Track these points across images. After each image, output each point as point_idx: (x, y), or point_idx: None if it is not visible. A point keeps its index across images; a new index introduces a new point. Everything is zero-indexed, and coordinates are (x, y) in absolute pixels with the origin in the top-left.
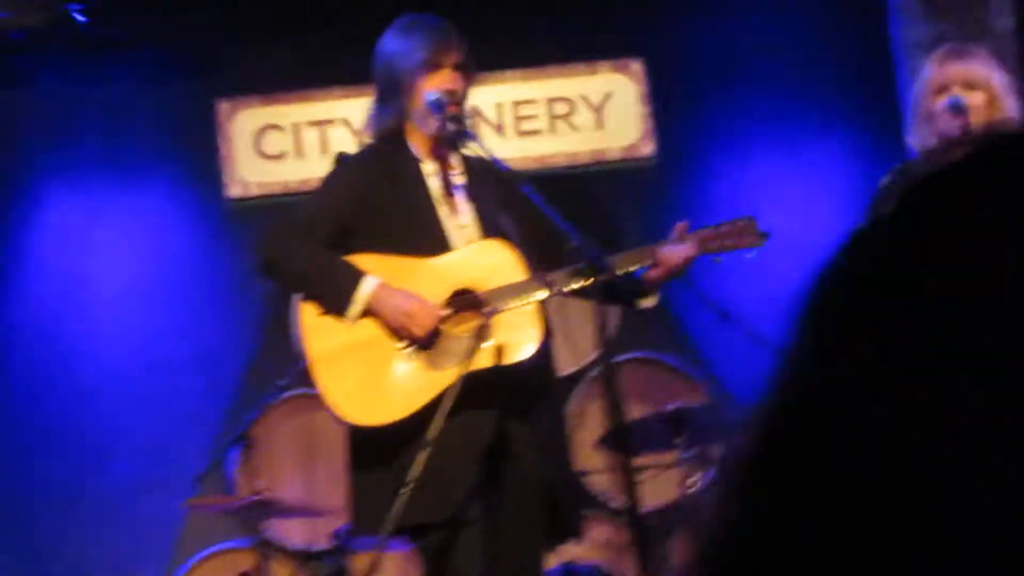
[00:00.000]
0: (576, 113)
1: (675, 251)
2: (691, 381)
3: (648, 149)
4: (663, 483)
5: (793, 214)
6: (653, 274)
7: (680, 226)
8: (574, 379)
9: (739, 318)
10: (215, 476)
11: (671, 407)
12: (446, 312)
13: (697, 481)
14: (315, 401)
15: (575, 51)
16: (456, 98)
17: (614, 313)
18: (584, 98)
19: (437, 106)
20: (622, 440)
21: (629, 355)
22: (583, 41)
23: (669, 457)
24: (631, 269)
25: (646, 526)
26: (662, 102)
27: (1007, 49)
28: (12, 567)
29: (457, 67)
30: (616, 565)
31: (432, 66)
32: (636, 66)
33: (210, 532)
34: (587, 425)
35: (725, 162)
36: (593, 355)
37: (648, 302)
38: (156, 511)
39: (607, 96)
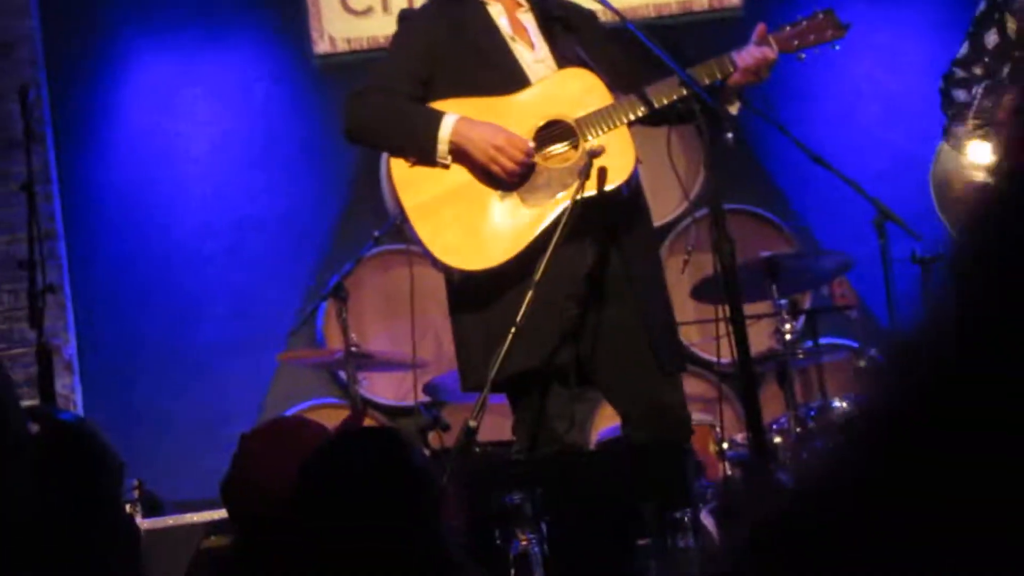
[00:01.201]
0: None
1: (756, 52)
2: (781, 231)
3: None
4: (756, 333)
5: (880, 63)
6: (736, 78)
7: (760, 28)
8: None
9: (829, 164)
10: (306, 332)
11: (763, 256)
12: (534, 145)
13: (790, 331)
14: (403, 256)
15: None
16: None
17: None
18: None
19: None
20: (728, 288)
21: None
22: None
23: (762, 307)
24: (717, 77)
25: (752, 375)
26: None
27: None
28: (106, 424)
29: None
30: (708, 418)
31: None
32: None
33: (300, 389)
34: (675, 278)
35: (811, 10)
36: (674, 213)
37: (733, 109)
38: (247, 367)
39: None
